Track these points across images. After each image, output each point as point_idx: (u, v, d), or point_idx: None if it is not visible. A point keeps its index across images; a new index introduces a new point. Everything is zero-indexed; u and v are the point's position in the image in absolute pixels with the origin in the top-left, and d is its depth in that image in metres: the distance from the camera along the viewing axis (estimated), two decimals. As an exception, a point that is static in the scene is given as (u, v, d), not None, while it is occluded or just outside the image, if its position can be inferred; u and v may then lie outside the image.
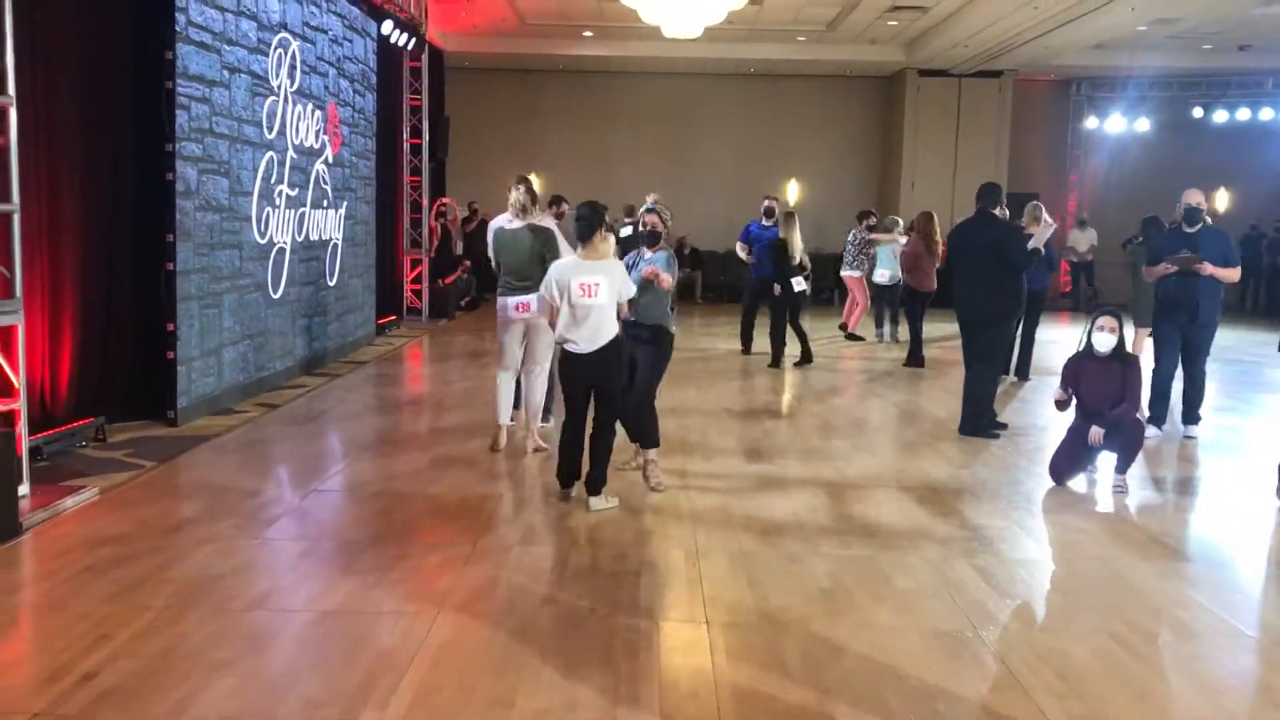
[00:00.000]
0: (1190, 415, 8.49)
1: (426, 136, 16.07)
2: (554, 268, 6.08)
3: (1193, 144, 19.81)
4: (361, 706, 3.59)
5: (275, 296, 9.83)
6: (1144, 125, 20.27)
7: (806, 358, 11.96)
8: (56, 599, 4.53)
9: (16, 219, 5.78)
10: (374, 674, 3.84)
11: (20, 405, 5.82)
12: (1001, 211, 8.59)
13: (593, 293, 5.85)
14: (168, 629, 4.20)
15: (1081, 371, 6.89)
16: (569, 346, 5.99)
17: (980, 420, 8.36)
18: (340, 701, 3.63)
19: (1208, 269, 8.00)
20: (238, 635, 4.21)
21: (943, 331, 14.32)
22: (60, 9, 7.01)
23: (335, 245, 11.62)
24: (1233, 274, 8.23)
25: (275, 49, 9.64)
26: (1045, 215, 9.87)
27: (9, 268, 5.77)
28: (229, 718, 3.49)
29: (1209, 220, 8.43)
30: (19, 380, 5.81)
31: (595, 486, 6.04)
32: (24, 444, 5.80)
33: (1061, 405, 7.01)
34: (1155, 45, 16.91)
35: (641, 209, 7.16)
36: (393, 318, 14.78)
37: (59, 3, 6.99)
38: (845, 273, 14.59)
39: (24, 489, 5.67)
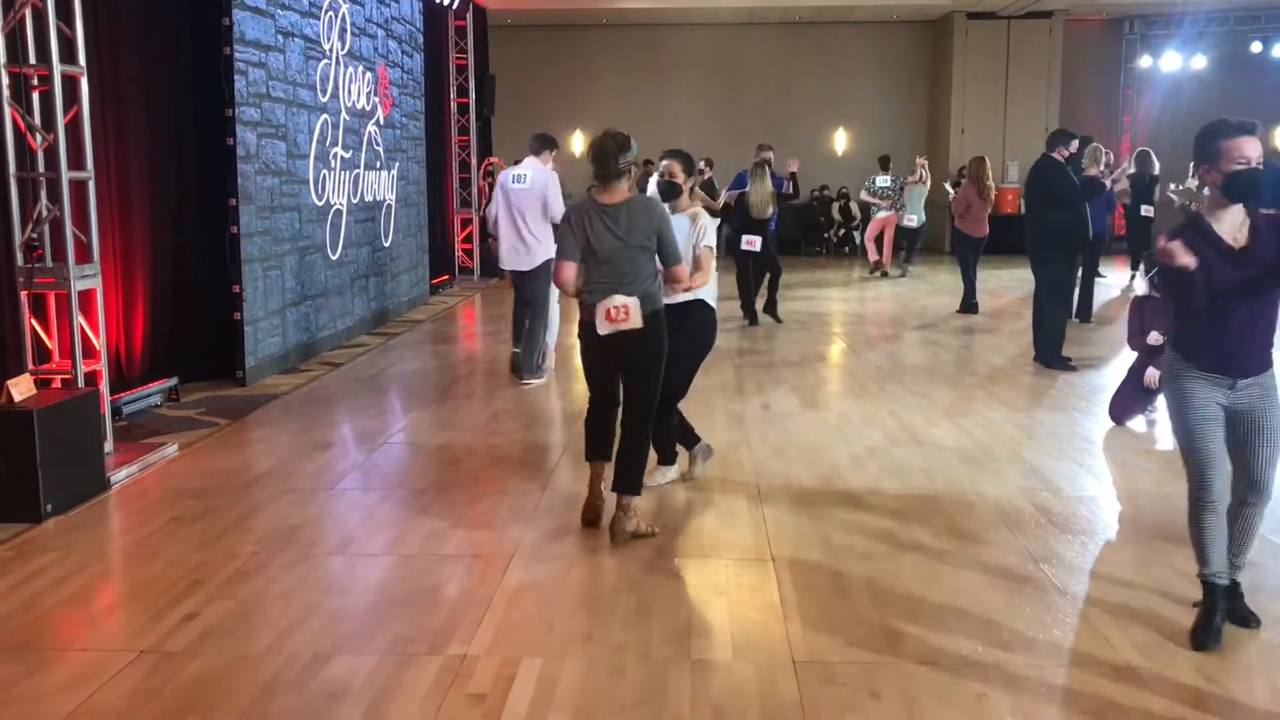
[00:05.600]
0: None
1: (473, 95, 16.15)
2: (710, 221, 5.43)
3: (1251, 80, 19.26)
4: (448, 641, 3.76)
5: (334, 258, 10.01)
6: (1200, 62, 19.72)
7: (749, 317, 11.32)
8: (149, 547, 4.74)
9: (91, 185, 5.96)
10: (456, 612, 4.01)
11: (101, 366, 6.04)
12: (1062, 153, 8.65)
13: None
14: (257, 574, 4.40)
15: (1150, 311, 6.82)
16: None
17: (1053, 352, 8.68)
18: (427, 637, 3.79)
19: None
20: (324, 578, 4.40)
21: (996, 279, 14.25)
22: (121, -21, 7.16)
23: (389, 206, 11.78)
24: None
25: (326, 12, 9.74)
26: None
27: (86, 233, 5.96)
28: (324, 653, 3.67)
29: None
30: (99, 341, 6.03)
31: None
32: (106, 403, 6.02)
33: (1151, 348, 6.68)
34: (1211, -21, 16.54)
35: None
36: (445, 277, 14.94)
37: (120, -27, 7.14)
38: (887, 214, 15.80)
39: (108, 446, 5.91)
